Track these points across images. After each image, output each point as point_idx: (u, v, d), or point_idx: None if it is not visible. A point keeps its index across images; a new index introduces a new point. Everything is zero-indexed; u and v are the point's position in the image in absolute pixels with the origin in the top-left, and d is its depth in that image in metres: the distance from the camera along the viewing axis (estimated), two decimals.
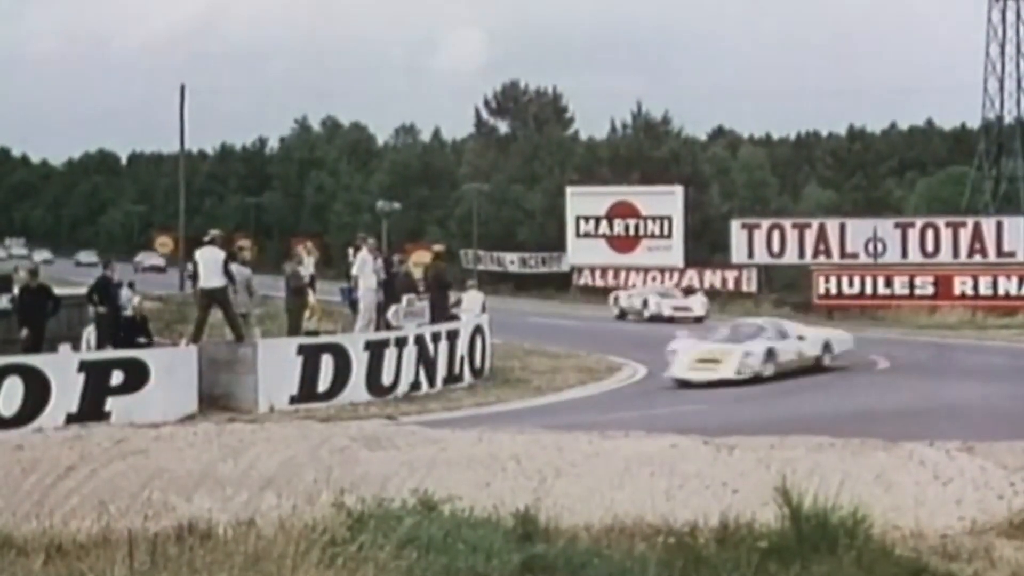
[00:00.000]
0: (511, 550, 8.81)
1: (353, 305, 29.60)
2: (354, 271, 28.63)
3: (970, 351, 38.33)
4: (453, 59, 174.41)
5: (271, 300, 34.24)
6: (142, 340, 26.04)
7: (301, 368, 24.50)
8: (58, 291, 27.93)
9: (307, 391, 24.42)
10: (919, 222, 59.47)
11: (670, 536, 9.79)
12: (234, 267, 25.43)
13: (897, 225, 59.50)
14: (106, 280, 27.34)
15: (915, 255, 57.14)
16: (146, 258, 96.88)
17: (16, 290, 28.18)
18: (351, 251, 30.98)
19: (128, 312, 27.67)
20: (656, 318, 50.68)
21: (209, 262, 24.85)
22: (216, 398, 23.88)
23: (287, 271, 29.21)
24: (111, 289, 27.34)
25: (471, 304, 32.84)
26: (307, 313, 28.31)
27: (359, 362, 25.20)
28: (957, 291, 54.33)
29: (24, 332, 25.06)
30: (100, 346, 25.73)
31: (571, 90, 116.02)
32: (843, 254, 58.57)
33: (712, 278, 62.71)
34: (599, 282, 65.25)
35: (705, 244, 68.26)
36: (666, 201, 65.29)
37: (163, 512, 11.97)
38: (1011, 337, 44.01)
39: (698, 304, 52.80)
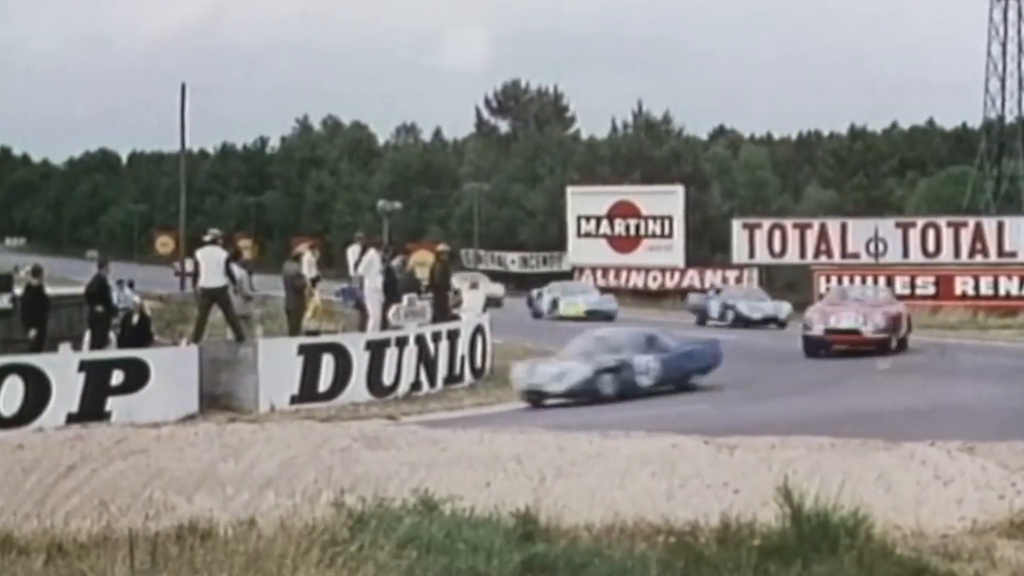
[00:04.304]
0: (512, 550, 8.80)
1: (358, 304, 29.57)
2: (360, 271, 28.61)
3: (971, 351, 38.31)
4: (454, 58, 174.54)
5: (271, 300, 34.23)
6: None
7: (302, 368, 24.49)
8: (60, 290, 27.95)
9: (308, 391, 24.41)
10: (920, 222, 59.52)
11: (671, 536, 9.79)
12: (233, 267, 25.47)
13: (898, 225, 59.55)
14: (101, 280, 27.29)
15: (916, 255, 57.20)
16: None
17: (20, 290, 28.19)
18: (350, 251, 30.93)
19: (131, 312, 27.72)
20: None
21: (210, 262, 24.87)
22: (217, 398, 23.88)
23: (288, 271, 29.19)
24: (106, 289, 27.31)
25: (472, 304, 32.85)
26: (309, 313, 28.31)
27: (360, 362, 25.19)
28: (958, 291, 54.42)
29: (32, 332, 25.11)
30: (95, 346, 25.72)
31: (572, 89, 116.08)
32: (844, 254, 58.63)
33: (713, 278, 62.73)
34: (600, 282, 65.23)
35: (706, 244, 68.37)
36: (667, 201, 65.33)
37: (164, 512, 11.97)
38: (1012, 337, 44.03)
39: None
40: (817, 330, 34.60)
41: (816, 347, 34.20)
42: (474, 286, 37.55)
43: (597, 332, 29.60)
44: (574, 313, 51.49)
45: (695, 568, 8.82)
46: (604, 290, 61.43)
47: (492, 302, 58.51)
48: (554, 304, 53.73)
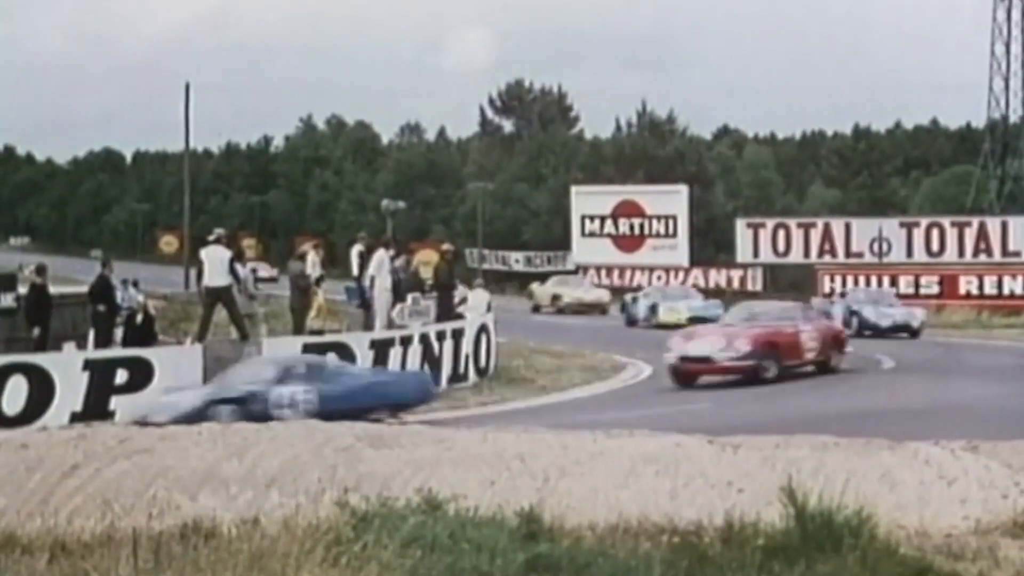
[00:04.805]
0: (515, 549, 8.79)
1: (364, 304, 29.58)
2: (371, 271, 28.62)
3: (975, 350, 38.31)
4: (458, 58, 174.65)
5: (275, 299, 34.25)
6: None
7: None
8: (64, 289, 27.95)
9: None
10: (924, 221, 59.53)
11: (675, 535, 9.78)
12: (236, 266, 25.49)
13: (902, 224, 59.55)
14: (104, 279, 27.30)
15: (920, 255, 57.21)
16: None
17: (25, 289, 28.20)
18: (353, 250, 30.94)
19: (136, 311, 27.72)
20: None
21: (214, 261, 24.90)
22: None
23: (293, 270, 29.20)
24: (109, 288, 27.32)
25: (476, 303, 32.86)
26: (312, 312, 28.31)
27: (364, 361, 25.18)
28: (962, 290, 54.46)
29: (36, 331, 25.14)
30: (98, 345, 25.74)
31: (576, 89, 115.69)
32: (848, 253, 58.64)
33: (717, 277, 62.78)
34: (604, 281, 65.23)
35: (710, 243, 68.37)
36: (671, 200, 65.33)
37: (167, 511, 11.97)
38: (1016, 336, 44.04)
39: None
40: (671, 357, 28.78)
41: (675, 376, 28.55)
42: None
43: (258, 357, 24.31)
44: (676, 320, 46.94)
45: (699, 568, 8.81)
46: (610, 289, 60.78)
47: (595, 308, 56.65)
48: (652, 310, 49.54)
